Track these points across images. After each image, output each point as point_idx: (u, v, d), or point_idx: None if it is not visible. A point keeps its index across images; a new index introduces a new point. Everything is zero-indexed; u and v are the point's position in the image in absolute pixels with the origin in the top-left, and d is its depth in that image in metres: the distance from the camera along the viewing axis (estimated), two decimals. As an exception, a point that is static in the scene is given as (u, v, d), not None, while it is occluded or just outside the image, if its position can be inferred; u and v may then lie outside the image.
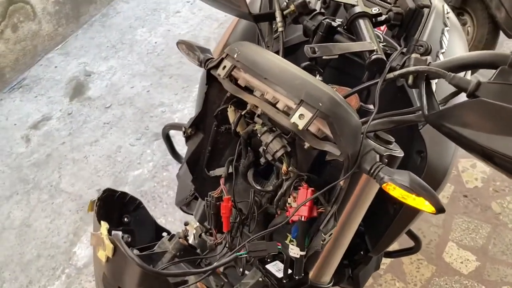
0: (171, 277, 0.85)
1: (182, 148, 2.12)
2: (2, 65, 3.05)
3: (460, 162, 2.39)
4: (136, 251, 1.00)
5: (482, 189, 2.30)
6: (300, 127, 0.78)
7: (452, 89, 0.91)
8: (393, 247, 1.35)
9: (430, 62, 0.86)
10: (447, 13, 1.19)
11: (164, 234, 1.16)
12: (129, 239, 1.08)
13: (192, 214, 1.40)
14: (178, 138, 1.68)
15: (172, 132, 1.58)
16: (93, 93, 3.01)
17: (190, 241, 1.12)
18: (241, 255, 0.83)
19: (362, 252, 1.25)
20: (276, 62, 0.85)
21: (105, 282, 0.92)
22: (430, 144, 1.07)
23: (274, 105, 0.85)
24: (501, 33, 2.39)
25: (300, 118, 0.79)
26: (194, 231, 1.14)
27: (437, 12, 1.16)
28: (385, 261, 2.01)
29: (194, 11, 3.63)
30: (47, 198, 2.41)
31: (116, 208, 1.09)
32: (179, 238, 1.06)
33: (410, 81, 0.86)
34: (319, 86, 0.80)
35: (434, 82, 0.87)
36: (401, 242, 1.44)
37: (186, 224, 1.17)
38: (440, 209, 0.74)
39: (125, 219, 1.11)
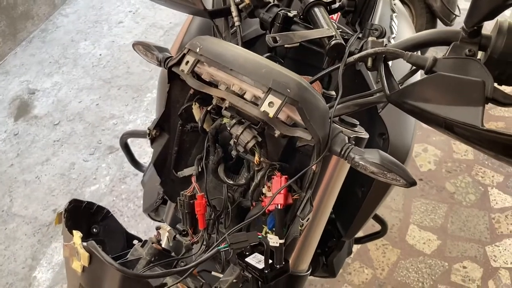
0: (152, 279, 0.83)
1: (139, 157, 2.08)
2: None
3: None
4: (110, 260, 0.97)
5: (435, 171, 2.41)
6: (271, 115, 0.78)
7: (407, 70, 0.95)
8: (360, 234, 1.38)
9: (386, 44, 0.89)
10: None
11: (135, 241, 1.13)
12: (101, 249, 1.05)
13: (160, 221, 1.38)
14: (134, 149, 1.65)
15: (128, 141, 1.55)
16: (39, 111, 2.89)
17: (164, 245, 1.09)
18: (222, 248, 0.82)
19: (334, 239, 1.28)
20: (240, 53, 0.85)
21: (82, 293, 0.89)
22: (390, 126, 1.11)
23: (241, 96, 0.85)
24: (438, 21, 2.52)
25: (270, 106, 0.79)
26: (167, 234, 1.11)
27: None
28: (352, 249, 2.06)
29: (137, 20, 3.58)
30: (-1, 224, 2.29)
31: (83, 219, 1.05)
32: (152, 243, 1.03)
33: (369, 63, 0.89)
34: (285, 73, 0.81)
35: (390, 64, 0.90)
36: (366, 229, 1.49)
37: (158, 228, 1.14)
38: (411, 182, 0.77)
39: (94, 229, 1.08)
